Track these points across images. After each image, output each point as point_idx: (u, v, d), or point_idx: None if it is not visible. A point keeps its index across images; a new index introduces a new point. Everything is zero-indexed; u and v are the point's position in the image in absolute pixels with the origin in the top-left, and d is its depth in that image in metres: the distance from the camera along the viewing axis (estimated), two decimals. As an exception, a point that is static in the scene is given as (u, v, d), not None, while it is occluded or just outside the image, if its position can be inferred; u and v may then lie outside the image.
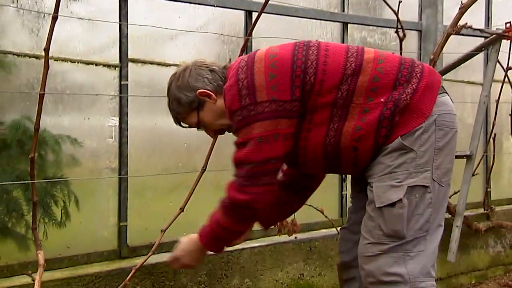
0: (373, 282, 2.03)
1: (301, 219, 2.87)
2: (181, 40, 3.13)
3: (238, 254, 3.05)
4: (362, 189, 2.13)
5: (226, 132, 2.21)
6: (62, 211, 2.66)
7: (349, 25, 3.86)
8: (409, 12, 4.17)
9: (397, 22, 3.37)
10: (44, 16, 2.64)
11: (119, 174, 2.88)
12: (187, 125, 2.24)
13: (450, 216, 3.76)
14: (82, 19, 2.76)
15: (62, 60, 2.72)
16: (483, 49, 3.77)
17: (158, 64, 3.05)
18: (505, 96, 4.16)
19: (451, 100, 2.10)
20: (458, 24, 3.48)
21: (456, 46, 3.91)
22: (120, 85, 2.88)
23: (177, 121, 2.24)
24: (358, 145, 2.00)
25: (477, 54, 3.72)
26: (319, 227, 3.59)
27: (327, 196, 3.66)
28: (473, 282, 4.26)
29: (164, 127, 2.98)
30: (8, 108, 2.60)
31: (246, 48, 2.93)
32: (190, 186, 2.52)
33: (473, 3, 3.48)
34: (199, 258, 2.24)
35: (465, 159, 3.62)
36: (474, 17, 4.12)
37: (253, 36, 3.05)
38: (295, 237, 3.26)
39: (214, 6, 3.18)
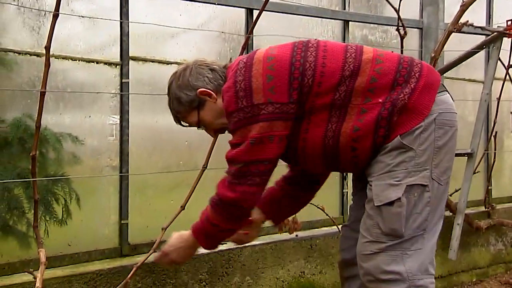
0: (371, 280, 2.04)
1: (302, 217, 2.87)
2: (182, 38, 3.13)
3: (239, 252, 3.05)
4: (364, 186, 2.13)
5: (226, 132, 2.21)
6: (63, 209, 2.66)
7: (350, 23, 3.85)
8: (410, 9, 4.17)
9: (398, 20, 3.37)
10: (45, 14, 2.64)
11: (120, 172, 2.88)
12: (187, 124, 2.25)
13: (451, 214, 3.76)
14: (83, 17, 2.76)
15: (63, 58, 2.72)
16: (484, 47, 3.77)
17: (159, 62, 3.05)
18: (506, 94, 4.16)
19: (452, 98, 2.10)
20: (459, 22, 3.48)
21: (457, 44, 3.91)
22: (121, 83, 2.88)
23: (177, 120, 2.25)
24: (357, 146, 2.01)
25: (478, 52, 3.71)
26: (320, 225, 3.60)
27: (328, 194, 3.66)
28: (474, 280, 4.26)
29: (165, 125, 2.98)
30: (9, 106, 2.60)
31: (247, 46, 2.93)
32: (191, 184, 2.52)
33: (474, 1, 3.48)
34: (187, 255, 2.26)
35: (466, 157, 3.62)
36: (475, 15, 4.12)
37: (254, 34, 3.04)
38: (296, 235, 3.26)
39: (215, 4, 3.18)
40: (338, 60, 2.00)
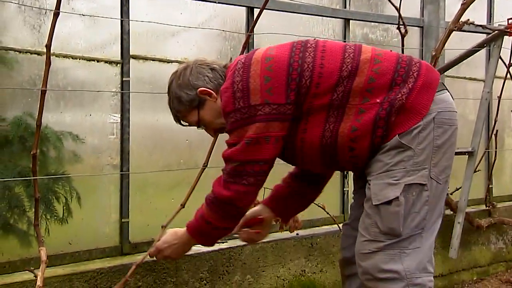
0: (370, 279, 2.04)
1: (303, 215, 2.86)
2: (182, 36, 3.13)
3: (239, 251, 3.05)
4: (364, 185, 2.13)
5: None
6: (64, 208, 2.66)
7: (350, 21, 3.85)
8: (411, 8, 4.17)
9: (399, 19, 3.36)
10: (45, 13, 2.64)
11: (121, 171, 2.88)
12: (187, 124, 2.25)
13: (452, 212, 3.76)
14: (83, 15, 2.76)
15: (64, 57, 2.72)
16: (485, 45, 3.77)
17: (160, 60, 3.05)
18: (507, 93, 4.16)
19: (451, 96, 2.09)
20: (460, 21, 3.48)
21: (458, 43, 3.91)
22: (122, 82, 2.88)
23: (177, 119, 2.25)
24: (355, 146, 2.01)
25: (479, 50, 3.71)
26: (320, 223, 3.60)
27: (329, 193, 3.63)
28: (474, 278, 4.26)
29: (165, 124, 2.98)
30: (10, 104, 2.60)
31: (248, 44, 2.93)
32: (192, 182, 2.52)
33: (475, -1, 3.48)
34: (181, 251, 2.27)
35: (467, 156, 3.62)
36: (476, 13, 4.12)
37: (255, 33, 3.04)
38: (297, 234, 3.26)
39: (215, 2, 3.18)
40: (336, 60, 2.00)
